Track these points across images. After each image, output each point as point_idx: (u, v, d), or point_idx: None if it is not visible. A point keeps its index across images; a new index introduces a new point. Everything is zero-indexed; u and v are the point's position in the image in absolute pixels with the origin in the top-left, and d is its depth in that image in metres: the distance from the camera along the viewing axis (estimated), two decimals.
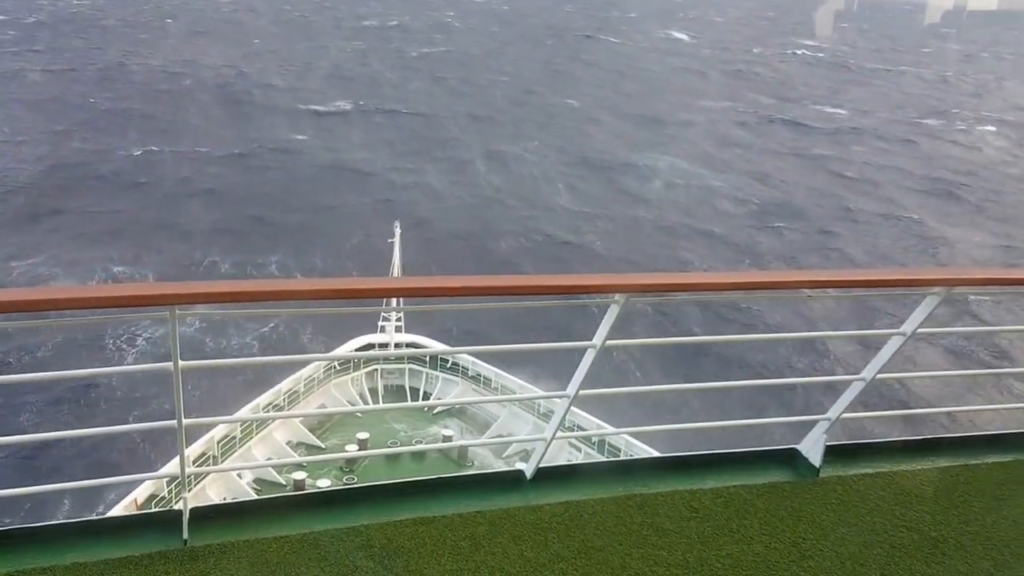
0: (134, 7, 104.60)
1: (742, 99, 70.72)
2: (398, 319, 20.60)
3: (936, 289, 3.58)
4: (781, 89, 77.15)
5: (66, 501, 17.44)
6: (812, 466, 4.23)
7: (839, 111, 69.27)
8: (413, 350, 19.67)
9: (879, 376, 3.88)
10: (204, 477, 15.32)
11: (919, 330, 3.70)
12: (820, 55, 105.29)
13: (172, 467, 3.01)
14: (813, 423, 4.23)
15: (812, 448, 4.25)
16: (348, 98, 60.55)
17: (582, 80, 75.06)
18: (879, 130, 62.10)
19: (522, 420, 18.34)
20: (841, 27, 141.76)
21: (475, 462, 16.86)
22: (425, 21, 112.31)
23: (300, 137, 49.89)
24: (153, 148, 45.22)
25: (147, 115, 51.88)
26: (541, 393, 15.96)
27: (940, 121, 67.01)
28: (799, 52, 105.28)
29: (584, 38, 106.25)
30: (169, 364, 2.91)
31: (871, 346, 4.18)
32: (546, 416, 17.00)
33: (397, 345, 20.19)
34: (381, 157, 46.59)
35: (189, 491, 3.42)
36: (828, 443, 4.20)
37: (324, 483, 14.85)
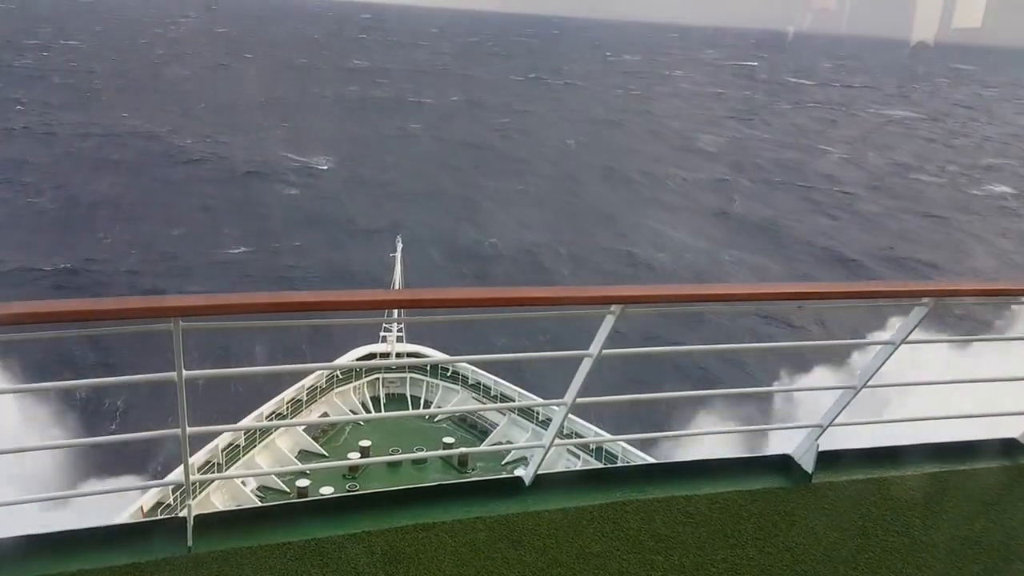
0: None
1: (745, 144, 70.18)
2: (399, 330, 20.72)
3: (925, 300, 3.65)
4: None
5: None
6: (805, 472, 4.28)
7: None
8: (414, 359, 19.74)
9: (869, 385, 3.95)
10: (208, 485, 15.41)
11: (908, 339, 3.78)
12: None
13: (177, 475, 3.04)
14: (805, 430, 4.30)
15: (805, 455, 4.31)
16: (334, 154, 56.53)
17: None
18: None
19: (521, 428, 18.43)
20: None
21: (475, 469, 16.93)
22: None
23: (293, 192, 47.77)
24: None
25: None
26: (540, 401, 16.07)
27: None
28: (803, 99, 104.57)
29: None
30: (173, 374, 2.95)
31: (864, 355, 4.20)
32: (544, 424, 17.07)
33: (398, 355, 20.30)
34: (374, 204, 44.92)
35: (193, 498, 3.45)
36: (820, 450, 4.26)
37: (327, 490, 14.89)
